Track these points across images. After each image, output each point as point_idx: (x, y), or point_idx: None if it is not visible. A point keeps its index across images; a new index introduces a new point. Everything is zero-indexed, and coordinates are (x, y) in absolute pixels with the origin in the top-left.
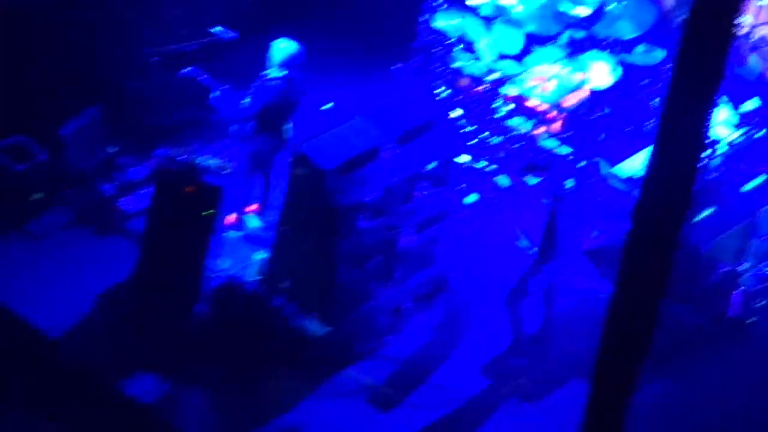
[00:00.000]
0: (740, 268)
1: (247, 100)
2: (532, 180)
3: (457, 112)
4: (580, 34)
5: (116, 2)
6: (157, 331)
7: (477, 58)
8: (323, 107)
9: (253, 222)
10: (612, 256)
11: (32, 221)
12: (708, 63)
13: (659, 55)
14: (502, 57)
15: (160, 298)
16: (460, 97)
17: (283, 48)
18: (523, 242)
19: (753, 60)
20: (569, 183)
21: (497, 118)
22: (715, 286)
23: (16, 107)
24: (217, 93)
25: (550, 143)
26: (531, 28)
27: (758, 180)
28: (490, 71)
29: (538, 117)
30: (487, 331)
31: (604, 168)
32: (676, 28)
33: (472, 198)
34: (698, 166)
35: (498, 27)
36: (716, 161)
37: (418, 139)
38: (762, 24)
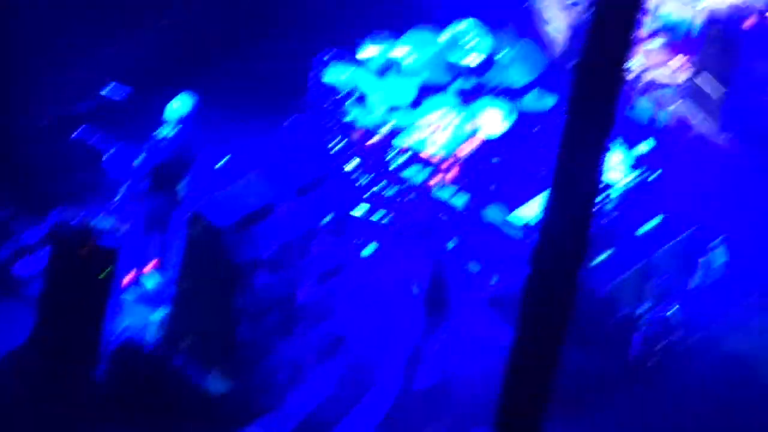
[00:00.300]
0: (639, 311)
1: (141, 158)
2: (426, 231)
3: (351, 165)
4: (471, 83)
5: (6, 67)
6: (59, 394)
7: (369, 111)
8: (218, 164)
9: (151, 281)
10: (513, 303)
11: None
12: (599, 107)
13: (551, 100)
14: (395, 108)
15: (59, 362)
16: (354, 149)
17: (176, 105)
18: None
19: (644, 103)
20: (452, 241)
21: (392, 170)
22: (616, 329)
23: None
24: (111, 153)
25: (446, 193)
26: (422, 78)
27: (653, 222)
28: (383, 123)
29: (432, 167)
30: (386, 385)
31: (499, 215)
32: (567, 73)
33: (369, 250)
34: (594, 209)
35: (389, 78)
36: (611, 204)
37: (314, 193)
38: (652, 67)
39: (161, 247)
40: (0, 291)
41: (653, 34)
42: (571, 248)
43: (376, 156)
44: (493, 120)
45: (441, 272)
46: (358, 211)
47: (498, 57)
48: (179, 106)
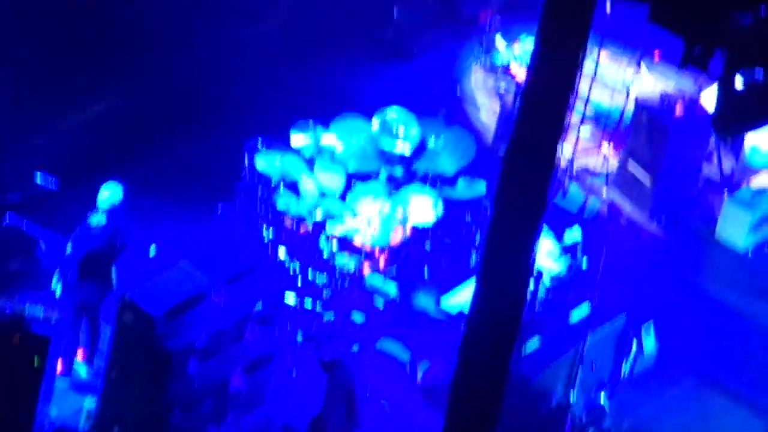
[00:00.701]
0: (571, 398)
1: (71, 246)
2: (359, 317)
3: (282, 253)
4: (400, 171)
5: None
6: None
7: (300, 198)
8: (148, 252)
9: (82, 369)
10: (444, 392)
11: None
12: (530, 194)
13: (480, 188)
14: (325, 196)
15: None
16: (285, 237)
17: (106, 193)
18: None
19: (574, 190)
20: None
21: (322, 257)
22: (548, 417)
23: None
24: (42, 241)
25: (375, 280)
26: (352, 166)
27: (582, 310)
28: (314, 210)
29: (363, 254)
30: None
31: (431, 303)
32: (496, 161)
33: (300, 337)
34: (524, 297)
35: (320, 166)
36: (542, 291)
37: (245, 281)
38: (581, 155)
39: (93, 335)
40: None
41: (583, 121)
42: (501, 336)
43: (308, 243)
44: (423, 208)
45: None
46: (290, 299)
47: (428, 144)
48: (109, 194)
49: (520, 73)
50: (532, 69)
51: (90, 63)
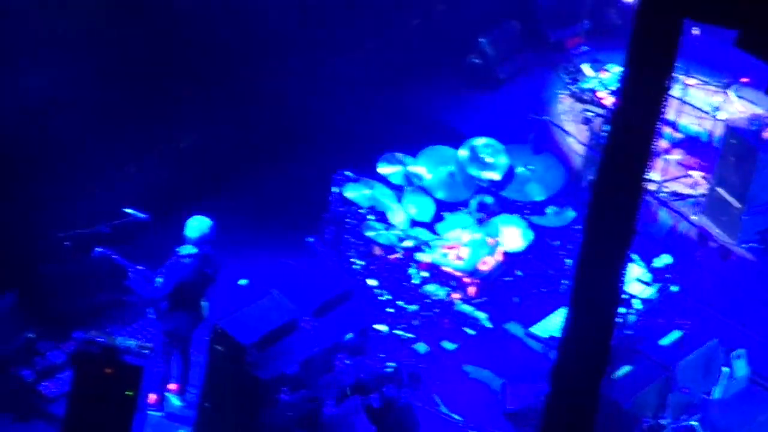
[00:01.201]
0: (663, 422)
1: (161, 279)
2: (449, 346)
3: (372, 281)
4: (489, 199)
5: (23, 189)
6: None
7: (389, 227)
8: (239, 282)
9: (175, 400)
10: (533, 418)
11: None
12: (619, 220)
13: (570, 215)
14: (415, 224)
15: None
16: (375, 266)
17: (195, 225)
18: (442, 408)
19: (663, 215)
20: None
21: (412, 286)
22: None
23: None
24: (132, 273)
25: (466, 308)
26: (441, 195)
27: (673, 334)
28: (403, 239)
29: (452, 283)
30: None
31: (521, 329)
32: (585, 188)
33: (391, 366)
34: (614, 323)
35: (409, 195)
36: (632, 318)
37: (335, 310)
38: (670, 179)
39: (184, 366)
40: (26, 411)
41: (673, 146)
42: (593, 362)
43: (397, 272)
44: (512, 235)
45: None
46: (380, 327)
47: (516, 172)
48: (199, 225)
49: (607, 99)
50: (620, 95)
51: (180, 95)
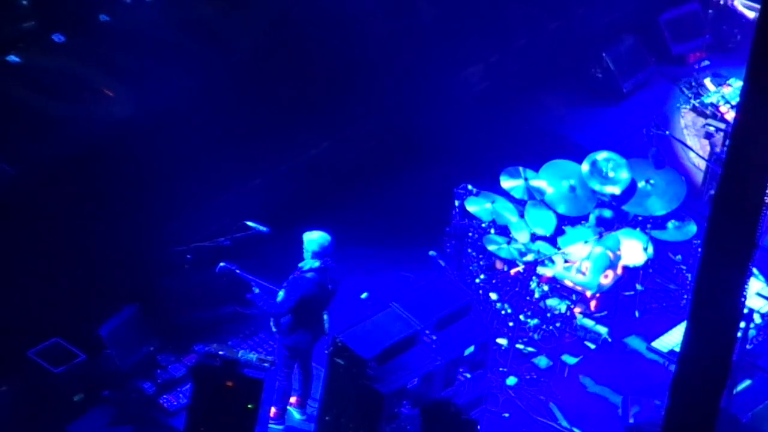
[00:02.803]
0: None
1: (283, 293)
2: (570, 360)
3: (493, 295)
4: (610, 213)
5: (145, 204)
6: None
7: (510, 241)
8: (360, 296)
9: (295, 414)
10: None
11: (73, 423)
12: (739, 235)
13: (691, 230)
14: (536, 238)
15: None
16: (496, 280)
17: (315, 239)
18: (562, 421)
19: None
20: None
21: (533, 300)
22: None
23: (51, 310)
24: (255, 287)
25: (587, 323)
26: (562, 209)
27: None
28: (524, 253)
29: (573, 297)
30: None
31: (642, 344)
32: (706, 202)
33: (512, 380)
34: (734, 337)
35: (530, 209)
36: (752, 332)
37: (456, 324)
38: None
39: (305, 380)
40: (147, 424)
41: None
42: (712, 376)
43: (518, 286)
44: (633, 250)
45: None
46: (502, 341)
47: (638, 186)
48: (320, 238)
49: (729, 113)
50: (741, 109)
51: (305, 107)
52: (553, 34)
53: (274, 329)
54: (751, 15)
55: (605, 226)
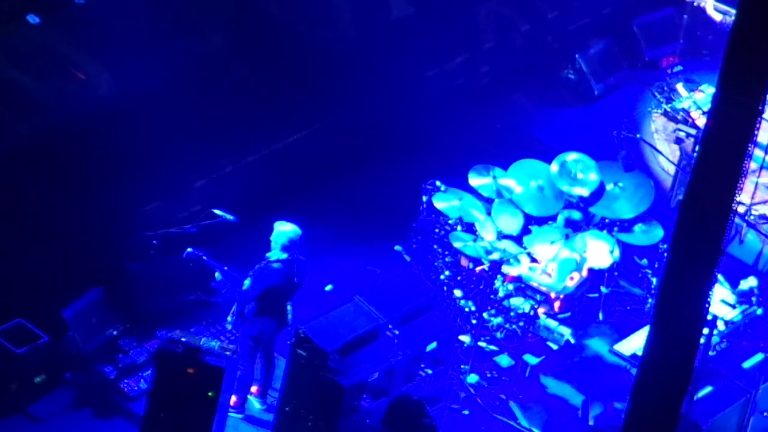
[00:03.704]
0: None
1: (248, 281)
2: (532, 360)
3: (457, 292)
4: (578, 215)
5: (113, 187)
6: None
7: (476, 239)
8: (324, 288)
9: (256, 404)
10: None
11: (34, 404)
12: (705, 242)
13: (658, 234)
14: (502, 237)
15: None
16: (461, 277)
17: (286, 232)
18: (522, 421)
19: (751, 238)
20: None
21: (497, 298)
22: None
23: (15, 290)
24: (219, 275)
25: (550, 323)
26: (530, 209)
27: (756, 357)
28: (490, 251)
29: (538, 297)
30: None
31: (604, 347)
32: (674, 207)
33: (472, 378)
34: (697, 344)
35: (497, 207)
36: (715, 339)
37: (419, 320)
38: (759, 202)
39: (267, 370)
40: (107, 408)
41: (762, 168)
42: (674, 381)
43: (483, 284)
44: (599, 252)
45: None
46: (464, 338)
47: (606, 189)
48: (287, 230)
49: (700, 119)
50: (712, 115)
51: (277, 98)
52: (526, 35)
53: (229, 322)
54: (719, 18)
55: (573, 227)
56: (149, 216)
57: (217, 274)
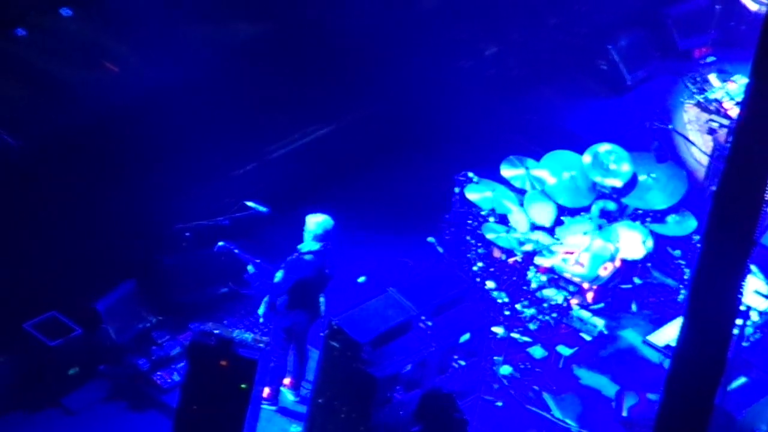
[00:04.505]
0: None
1: (281, 273)
2: (565, 351)
3: (490, 284)
4: (611, 206)
5: (146, 179)
6: None
7: (510, 230)
8: (357, 280)
9: (289, 395)
10: (647, 427)
11: (68, 396)
12: (738, 232)
13: (691, 225)
14: (535, 228)
15: None
16: (494, 268)
17: (319, 222)
18: (557, 413)
19: None
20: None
21: (530, 289)
22: None
23: (49, 283)
24: (251, 267)
25: (583, 314)
26: (563, 200)
27: None
28: (523, 242)
29: (571, 288)
30: None
31: (638, 338)
32: (707, 198)
33: (506, 369)
34: (731, 335)
35: (530, 199)
36: (749, 330)
37: (452, 312)
38: None
39: (300, 362)
40: (141, 400)
41: None
42: (707, 372)
43: (516, 276)
44: (632, 243)
45: None
46: (496, 330)
47: (639, 180)
48: (320, 223)
49: (733, 110)
50: (745, 106)
51: (308, 90)
52: (558, 27)
53: (266, 310)
54: (755, 8)
55: (607, 218)
56: (182, 209)
57: (249, 267)
